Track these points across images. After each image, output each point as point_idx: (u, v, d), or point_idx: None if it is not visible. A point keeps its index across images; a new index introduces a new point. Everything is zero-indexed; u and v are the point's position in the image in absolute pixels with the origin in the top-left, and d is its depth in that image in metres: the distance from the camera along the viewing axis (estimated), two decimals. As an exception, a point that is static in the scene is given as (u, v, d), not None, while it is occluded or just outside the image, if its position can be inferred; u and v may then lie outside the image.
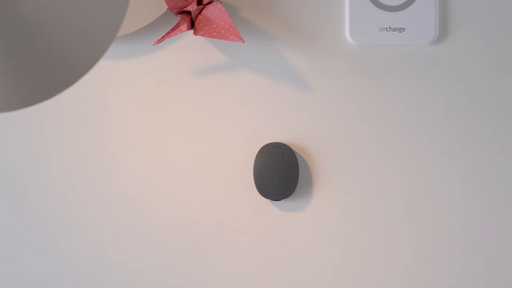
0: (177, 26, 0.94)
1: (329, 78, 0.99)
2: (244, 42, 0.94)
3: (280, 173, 0.98)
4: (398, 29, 0.98)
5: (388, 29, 0.98)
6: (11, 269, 1.00)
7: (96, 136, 0.99)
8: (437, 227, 0.99)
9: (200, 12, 0.95)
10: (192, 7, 0.94)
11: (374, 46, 0.99)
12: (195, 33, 0.95)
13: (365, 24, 0.98)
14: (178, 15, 0.95)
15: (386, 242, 0.99)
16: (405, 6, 0.98)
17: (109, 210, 0.99)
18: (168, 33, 0.94)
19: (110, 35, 0.74)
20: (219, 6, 0.94)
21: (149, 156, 0.99)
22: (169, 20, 0.99)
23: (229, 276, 0.99)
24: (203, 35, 0.94)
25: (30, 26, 0.73)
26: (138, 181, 0.99)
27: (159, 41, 0.94)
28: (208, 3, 0.95)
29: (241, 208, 0.99)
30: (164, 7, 0.96)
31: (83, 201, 0.99)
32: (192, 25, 0.96)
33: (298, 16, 0.99)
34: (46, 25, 0.73)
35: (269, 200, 0.99)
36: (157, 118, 0.99)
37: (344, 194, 0.99)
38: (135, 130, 0.99)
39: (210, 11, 0.95)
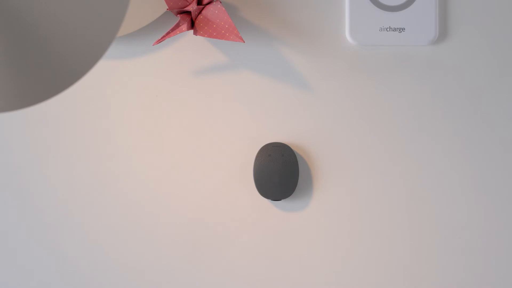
0: (177, 26, 0.94)
1: (329, 78, 0.99)
2: (244, 42, 0.94)
3: (280, 173, 0.98)
4: (398, 29, 0.98)
5: (388, 29, 0.98)
6: (11, 269, 1.00)
7: (96, 136, 0.99)
8: (437, 227, 0.99)
9: (200, 12, 0.95)
10: (192, 7, 0.94)
11: (374, 46, 0.99)
12: (195, 33, 0.95)
13: (365, 24, 0.98)
14: (178, 15, 0.95)
15: (386, 242, 0.99)
16: (405, 6, 0.98)
17: (109, 210, 0.99)
18: (168, 33, 0.94)
19: (110, 35, 0.74)
20: (219, 6, 0.94)
21: (149, 156, 0.99)
22: (169, 20, 0.99)
23: (229, 276, 0.99)
24: (203, 35, 0.95)
25: (30, 27, 0.73)
26: (138, 181, 0.99)
27: (159, 41, 0.94)
28: (208, 3, 0.95)
29: (241, 208, 0.99)
30: (164, 7, 0.96)
31: (83, 201, 0.99)
32: (192, 25, 0.96)
33: (298, 16, 0.99)
34: (46, 26, 0.73)
35: (269, 200, 0.99)
36: (157, 118, 0.99)
37: (344, 194, 0.99)
38: (135, 130, 0.99)
39: (210, 11, 0.95)
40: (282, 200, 0.99)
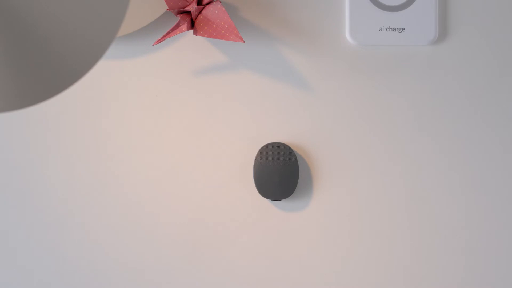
0: (177, 26, 0.94)
1: (329, 78, 0.99)
2: (244, 42, 0.94)
3: (280, 173, 0.98)
4: (398, 29, 0.98)
5: (388, 29, 0.98)
6: (11, 269, 1.00)
7: (96, 136, 0.99)
8: (437, 227, 0.99)
9: (200, 12, 0.95)
10: (192, 7, 0.94)
11: (374, 46, 0.99)
12: (195, 33, 0.95)
13: (365, 24, 0.98)
14: (178, 15, 0.95)
15: (386, 242, 0.99)
16: (405, 6, 0.98)
17: (109, 210, 0.99)
18: (168, 33, 0.94)
19: (110, 35, 0.74)
20: (219, 6, 0.94)
21: (149, 156, 0.99)
22: (169, 20, 0.99)
23: (229, 276, 1.00)
24: (203, 35, 0.95)
25: (30, 27, 0.73)
26: (138, 181, 0.99)
27: (159, 41, 0.94)
28: (208, 3, 0.95)
29: (241, 208, 0.99)
30: (164, 7, 0.96)
31: (83, 201, 0.99)
32: (192, 25, 0.96)
33: (298, 16, 0.99)
34: (46, 26, 0.73)
35: (269, 200, 0.99)
36: (157, 118, 0.99)
37: (344, 194, 0.99)
38: (135, 130, 0.99)
39: (210, 11, 0.95)
40: (282, 200, 0.99)
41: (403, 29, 0.98)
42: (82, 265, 1.00)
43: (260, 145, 0.99)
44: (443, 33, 0.99)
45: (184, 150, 0.99)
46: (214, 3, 0.94)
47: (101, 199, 0.99)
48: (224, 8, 0.94)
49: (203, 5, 0.95)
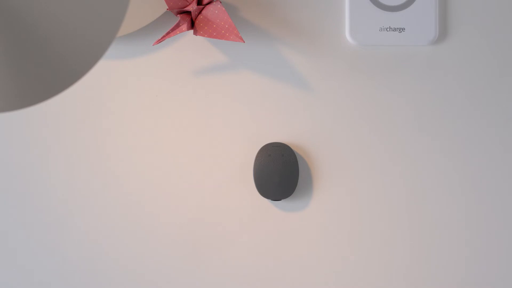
0: (177, 26, 0.94)
1: (329, 78, 0.99)
2: (244, 42, 0.94)
3: (280, 173, 0.98)
4: (398, 29, 0.98)
5: (388, 29, 0.98)
6: (11, 269, 1.00)
7: (96, 136, 0.99)
8: (437, 226, 0.99)
9: (200, 12, 0.95)
10: (192, 7, 0.94)
11: (374, 46, 0.99)
12: (195, 33, 0.95)
13: (365, 24, 0.98)
14: (178, 15, 0.95)
15: (386, 241, 0.99)
16: (405, 6, 0.98)
17: (109, 210, 0.99)
18: (168, 33, 0.94)
19: (110, 35, 0.74)
20: (219, 6, 0.94)
21: (149, 156, 0.99)
22: (169, 20, 0.99)
23: (229, 276, 1.00)
24: (203, 35, 0.95)
25: (30, 27, 0.73)
26: (138, 181, 0.99)
27: (159, 41, 0.94)
28: (208, 3, 0.95)
29: (241, 208, 0.99)
30: (164, 7, 0.97)
31: (83, 201, 0.99)
32: (192, 25, 0.96)
33: (298, 16, 0.99)
34: (46, 26, 0.73)
35: (269, 200, 0.99)
36: (157, 118, 0.99)
37: (344, 194, 0.99)
38: (135, 130, 0.99)
39: (210, 11, 0.95)
40: (282, 200, 0.99)
41: (403, 29, 0.98)
42: (82, 265, 1.00)
43: (260, 145, 0.99)
44: (443, 33, 0.99)
45: (184, 150, 0.99)
46: (214, 3, 0.94)
47: (101, 199, 0.99)
48: (224, 8, 0.94)
49: (203, 5, 0.95)
